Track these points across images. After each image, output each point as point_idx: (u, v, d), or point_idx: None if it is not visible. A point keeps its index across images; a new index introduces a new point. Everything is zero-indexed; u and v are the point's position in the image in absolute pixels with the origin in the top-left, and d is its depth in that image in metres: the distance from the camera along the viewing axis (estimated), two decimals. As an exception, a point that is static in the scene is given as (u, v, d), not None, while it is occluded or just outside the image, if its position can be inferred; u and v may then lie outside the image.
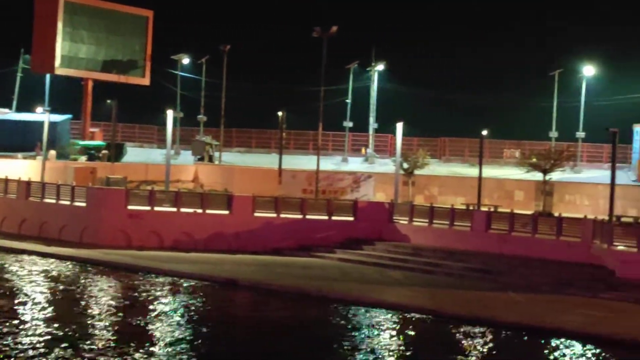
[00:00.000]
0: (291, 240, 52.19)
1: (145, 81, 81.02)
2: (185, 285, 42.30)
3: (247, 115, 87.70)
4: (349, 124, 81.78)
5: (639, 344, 32.50)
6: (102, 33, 77.55)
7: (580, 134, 73.72)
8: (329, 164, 69.81)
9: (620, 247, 42.36)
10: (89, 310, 35.69)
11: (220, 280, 43.37)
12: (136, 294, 39.81)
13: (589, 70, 74.95)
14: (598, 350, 31.93)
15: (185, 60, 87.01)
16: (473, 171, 60.16)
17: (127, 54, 79.51)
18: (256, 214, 52.77)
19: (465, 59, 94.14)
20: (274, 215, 52.84)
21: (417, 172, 60.25)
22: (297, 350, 31.52)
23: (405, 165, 59.39)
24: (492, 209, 51.23)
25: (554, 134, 74.68)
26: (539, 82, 78.24)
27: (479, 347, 32.28)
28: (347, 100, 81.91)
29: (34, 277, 42.66)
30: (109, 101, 73.03)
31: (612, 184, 46.62)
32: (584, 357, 31.36)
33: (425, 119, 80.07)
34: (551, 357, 31.25)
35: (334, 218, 53.24)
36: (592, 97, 75.40)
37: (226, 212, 52.80)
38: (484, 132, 60.07)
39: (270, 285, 42.07)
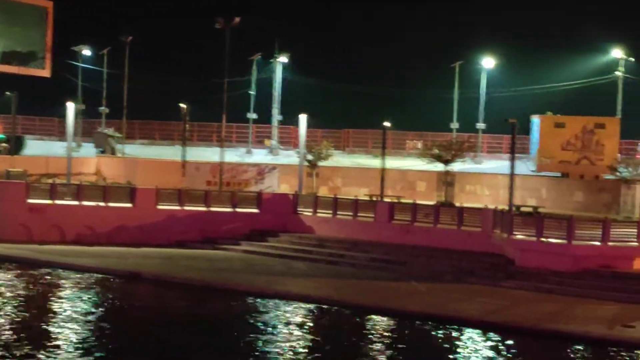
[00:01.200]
0: (195, 233, 52.07)
1: (46, 73, 79.50)
2: (87, 279, 41.84)
3: (150, 107, 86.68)
4: (252, 115, 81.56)
5: (538, 331, 33.23)
6: (0, 24, 76.02)
7: (481, 125, 74.65)
8: (233, 155, 69.58)
9: (520, 237, 43.14)
10: (-11, 306, 35.12)
11: (123, 274, 43.06)
12: (37, 288, 39.26)
13: (488, 62, 75.87)
14: (498, 338, 32.53)
15: (87, 52, 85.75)
16: (376, 162, 60.53)
17: (27, 45, 77.94)
18: (159, 207, 52.50)
19: (368, 51, 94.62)
20: (178, 207, 52.65)
21: (321, 163, 60.50)
22: (202, 342, 31.45)
23: (310, 157, 59.63)
24: (395, 200, 51.81)
25: (455, 125, 75.47)
26: (441, 73, 78.95)
27: (382, 338, 32.62)
28: (250, 92, 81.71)
29: None
30: (8, 93, 71.65)
31: (512, 174, 47.49)
32: (484, 345, 31.94)
33: (329, 110, 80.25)
34: (453, 345, 31.75)
35: (238, 210, 53.26)
36: (492, 89, 76.39)
37: (129, 204, 52.41)
38: (387, 124, 60.54)
39: (174, 278, 41.92)
